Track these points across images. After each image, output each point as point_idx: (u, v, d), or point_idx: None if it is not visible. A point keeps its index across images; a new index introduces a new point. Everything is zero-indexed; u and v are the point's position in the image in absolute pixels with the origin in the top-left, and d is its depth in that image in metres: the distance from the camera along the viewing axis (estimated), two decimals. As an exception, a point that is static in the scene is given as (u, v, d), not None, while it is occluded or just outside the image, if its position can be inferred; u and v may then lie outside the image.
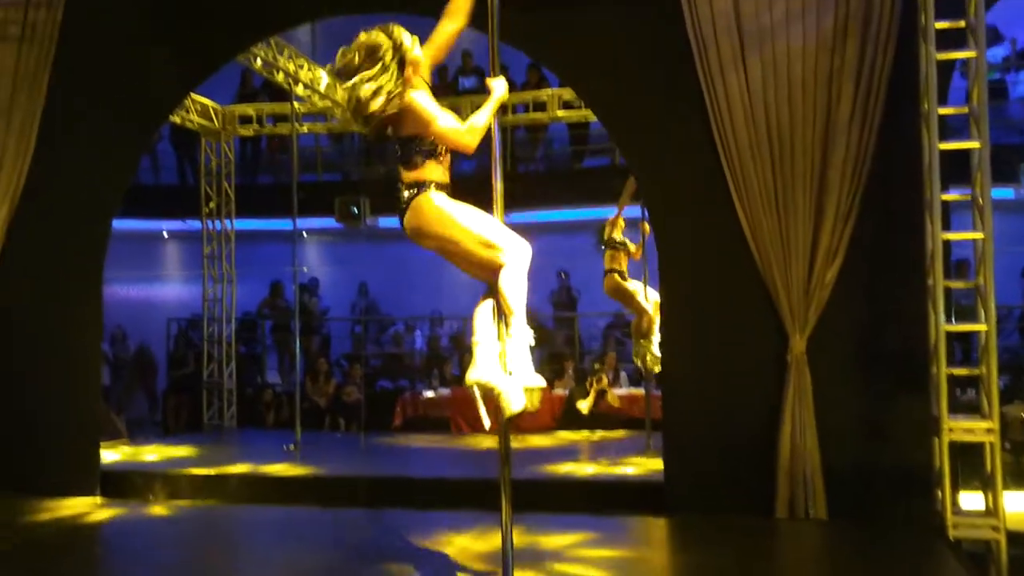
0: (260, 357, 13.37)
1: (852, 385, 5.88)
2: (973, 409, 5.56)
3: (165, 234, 15.58)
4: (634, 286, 8.54)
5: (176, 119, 10.51)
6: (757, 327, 5.96)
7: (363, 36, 3.93)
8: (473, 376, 3.96)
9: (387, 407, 11.40)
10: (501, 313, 3.97)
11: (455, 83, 13.26)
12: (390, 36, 3.93)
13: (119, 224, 8.10)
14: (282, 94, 10.78)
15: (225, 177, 11.54)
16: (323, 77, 9.95)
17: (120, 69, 7.32)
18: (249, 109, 11.69)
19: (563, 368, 11.29)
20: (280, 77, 9.54)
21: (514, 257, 3.85)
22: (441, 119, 3.86)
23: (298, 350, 9.85)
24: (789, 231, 5.85)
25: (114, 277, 13.39)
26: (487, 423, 4.01)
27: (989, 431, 5.22)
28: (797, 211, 5.84)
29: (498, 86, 3.93)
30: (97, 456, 7.43)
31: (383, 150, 13.90)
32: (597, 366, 10.49)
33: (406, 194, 3.96)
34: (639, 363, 8.74)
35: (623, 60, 6.35)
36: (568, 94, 10.58)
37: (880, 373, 5.85)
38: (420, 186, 3.93)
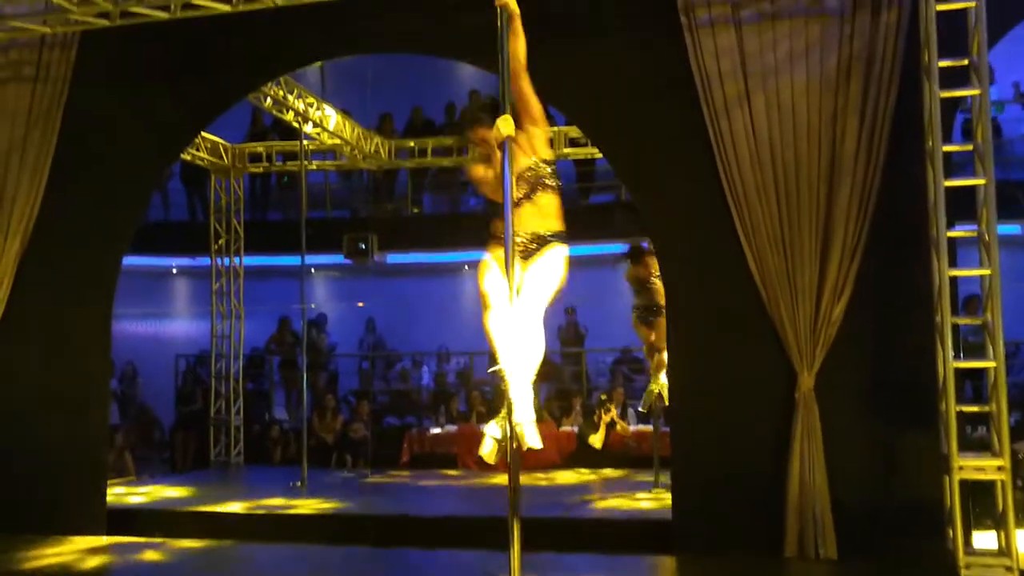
0: (267, 393, 13.37)
1: (862, 422, 5.85)
2: (984, 446, 5.52)
3: (174, 270, 15.67)
4: None
5: (187, 156, 10.62)
6: (765, 364, 5.95)
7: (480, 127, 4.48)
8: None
9: (394, 443, 11.37)
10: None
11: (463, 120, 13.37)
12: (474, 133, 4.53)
13: (129, 260, 8.16)
14: (292, 131, 10.88)
15: (234, 214, 11.62)
16: (332, 116, 10.05)
17: (132, 108, 7.41)
18: (259, 147, 11.80)
19: (571, 405, 11.25)
20: (289, 116, 9.65)
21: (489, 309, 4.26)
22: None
23: (305, 386, 9.85)
24: (795, 268, 5.86)
25: (124, 313, 13.48)
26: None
27: (1000, 469, 5.17)
28: (803, 248, 5.86)
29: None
30: (104, 494, 7.41)
31: (391, 187, 14.01)
32: (604, 397, 10.41)
33: None
34: (653, 399, 8.52)
35: (628, 98, 6.41)
36: (574, 131, 10.65)
37: (890, 410, 5.82)
38: None
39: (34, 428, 7.26)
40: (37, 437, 7.25)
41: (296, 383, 12.12)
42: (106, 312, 7.56)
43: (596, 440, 9.81)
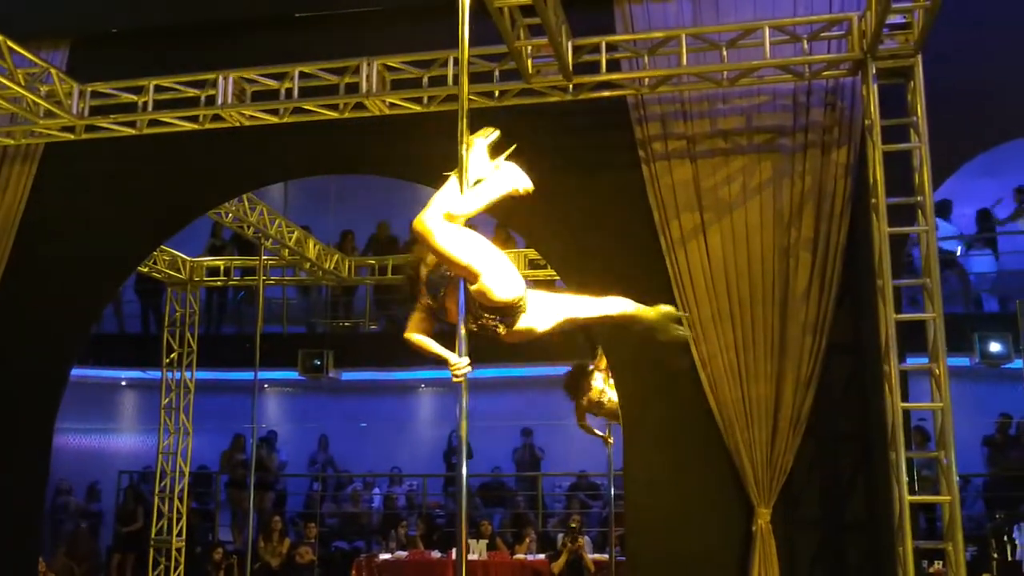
0: (213, 513, 12.92)
1: (819, 557, 5.79)
2: (941, 582, 5.47)
3: (123, 383, 15.31)
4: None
5: (143, 268, 10.52)
6: (722, 497, 5.90)
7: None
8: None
9: (342, 570, 10.98)
10: None
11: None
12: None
13: (77, 372, 7.98)
14: (252, 245, 10.88)
15: (189, 327, 11.45)
16: (293, 232, 10.08)
17: (91, 221, 7.38)
18: (218, 261, 11.75)
19: (523, 534, 10.96)
20: (250, 232, 9.65)
21: None
22: None
23: (252, 507, 9.53)
24: (751, 399, 5.88)
25: (69, 427, 13.08)
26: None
27: (958, 607, 5.11)
28: (759, 379, 5.89)
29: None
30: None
31: (349, 304, 13.95)
32: (573, 525, 10.19)
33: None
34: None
35: (587, 228, 6.51)
36: (533, 253, 10.76)
37: (846, 543, 5.78)
38: None
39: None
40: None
41: (243, 503, 11.74)
42: (48, 426, 7.33)
43: (557, 566, 9.58)
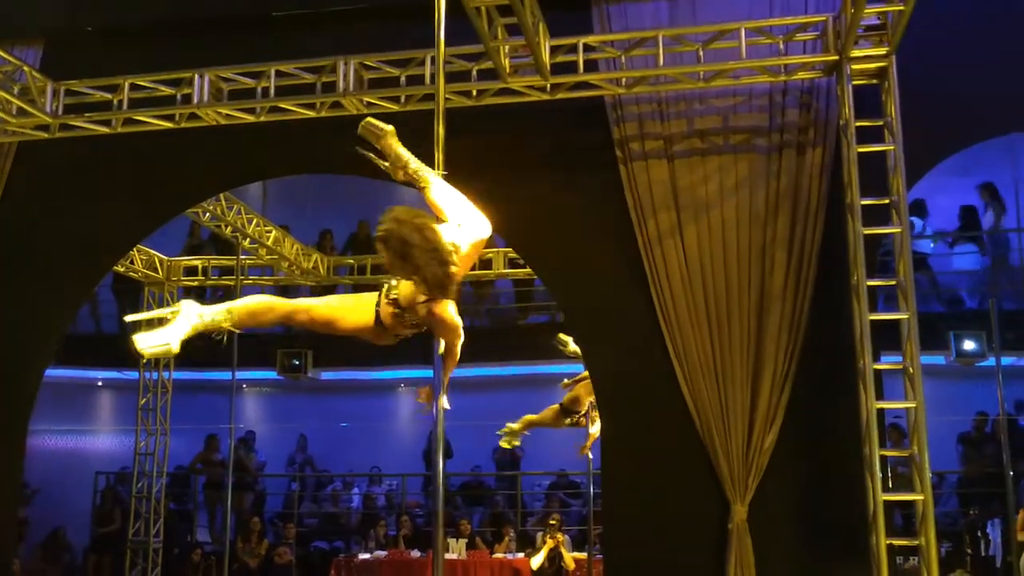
0: (191, 514, 12.83)
1: (794, 553, 5.83)
2: (916, 578, 5.52)
3: (99, 383, 15.18)
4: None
5: (120, 268, 10.44)
6: (699, 494, 5.94)
7: None
8: None
9: (321, 570, 10.94)
10: None
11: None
12: None
13: (52, 372, 7.91)
14: (230, 244, 10.81)
15: (166, 327, 11.35)
16: (271, 232, 10.04)
17: (67, 220, 7.32)
18: (195, 261, 11.67)
19: (503, 533, 10.95)
20: (228, 231, 9.60)
21: None
22: None
23: (229, 508, 9.48)
24: (728, 395, 5.92)
25: (44, 428, 12.94)
26: None
27: (931, 603, 5.16)
28: (735, 376, 5.93)
29: None
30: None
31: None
32: (552, 522, 10.15)
33: None
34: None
35: (565, 227, 6.53)
36: (513, 252, 10.76)
37: (821, 541, 5.82)
38: None
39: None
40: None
41: (221, 503, 11.66)
42: (22, 427, 7.26)
43: (535, 562, 9.58)
